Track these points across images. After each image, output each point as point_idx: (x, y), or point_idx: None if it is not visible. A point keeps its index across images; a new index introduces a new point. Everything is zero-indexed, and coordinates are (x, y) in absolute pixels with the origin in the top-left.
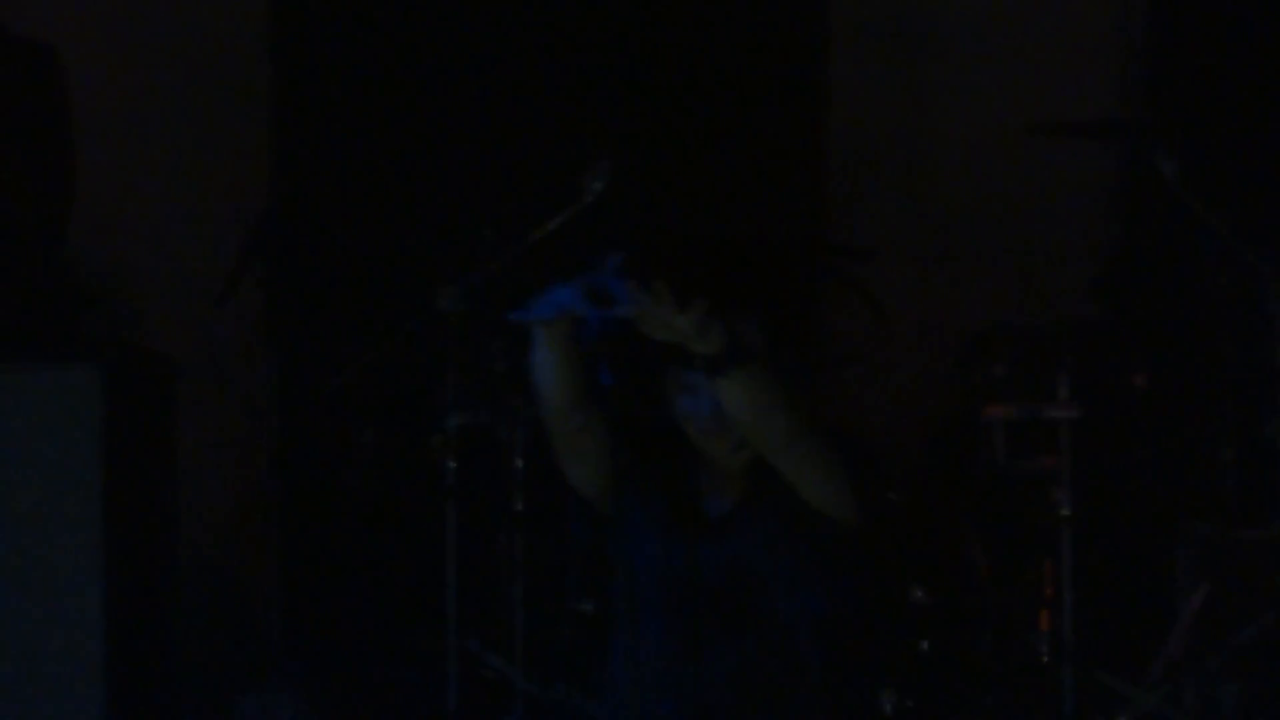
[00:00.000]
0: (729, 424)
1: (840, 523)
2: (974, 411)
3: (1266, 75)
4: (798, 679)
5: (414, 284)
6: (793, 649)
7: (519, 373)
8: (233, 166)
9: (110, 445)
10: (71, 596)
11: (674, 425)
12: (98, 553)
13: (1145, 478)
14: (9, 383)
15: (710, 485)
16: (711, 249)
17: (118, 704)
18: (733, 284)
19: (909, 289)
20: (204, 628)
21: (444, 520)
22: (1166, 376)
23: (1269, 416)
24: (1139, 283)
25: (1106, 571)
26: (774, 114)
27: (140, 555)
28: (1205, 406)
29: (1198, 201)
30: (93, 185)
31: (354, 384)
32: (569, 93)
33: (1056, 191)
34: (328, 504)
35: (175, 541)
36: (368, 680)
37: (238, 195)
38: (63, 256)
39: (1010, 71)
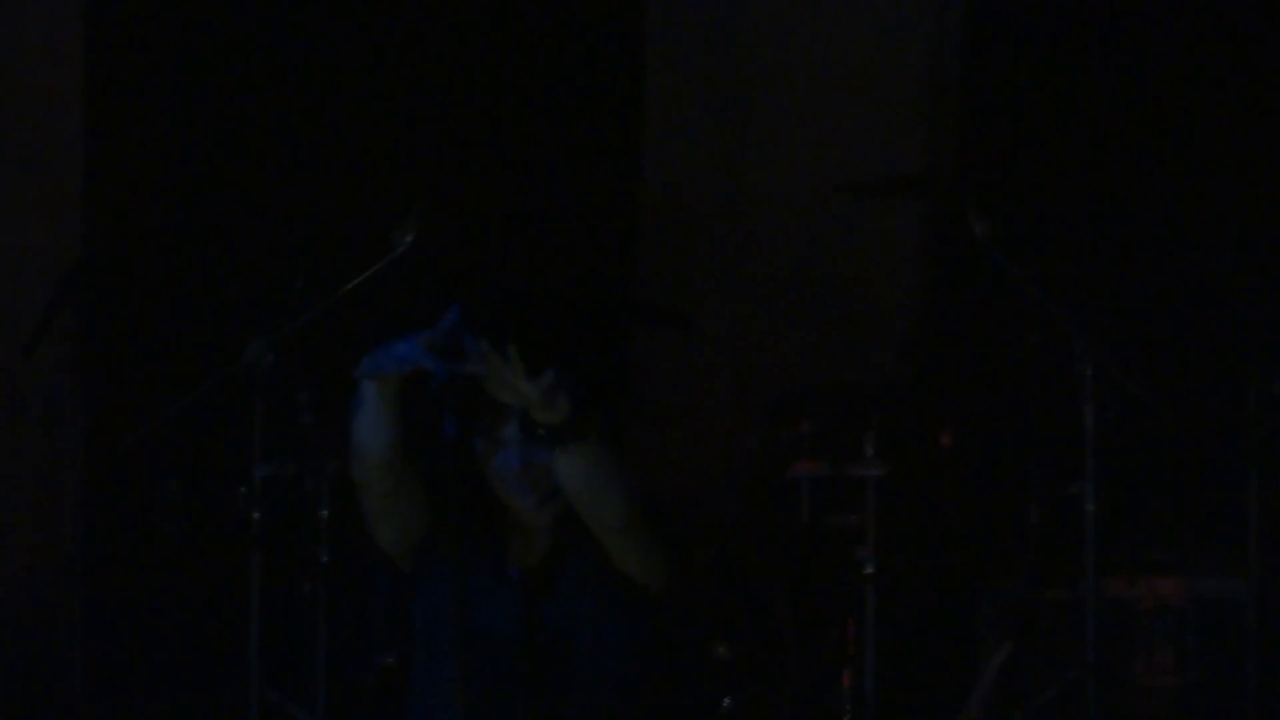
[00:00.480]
0: (535, 480)
1: (647, 588)
2: (781, 468)
3: (1074, 136)
4: None
5: (222, 336)
6: (594, 707)
7: (325, 425)
8: (45, 214)
9: None
10: None
11: (481, 481)
12: None
13: (950, 536)
14: None
15: (516, 543)
16: (526, 304)
17: None
18: (546, 337)
19: (722, 346)
20: (5, 680)
21: (248, 570)
22: (973, 436)
23: (1074, 477)
24: (948, 342)
25: (910, 630)
26: (589, 171)
27: None
28: (1012, 466)
29: (1007, 261)
30: None
31: (161, 434)
32: (382, 143)
33: (868, 251)
34: (132, 555)
35: None
36: None
37: (49, 244)
38: None
39: (823, 131)
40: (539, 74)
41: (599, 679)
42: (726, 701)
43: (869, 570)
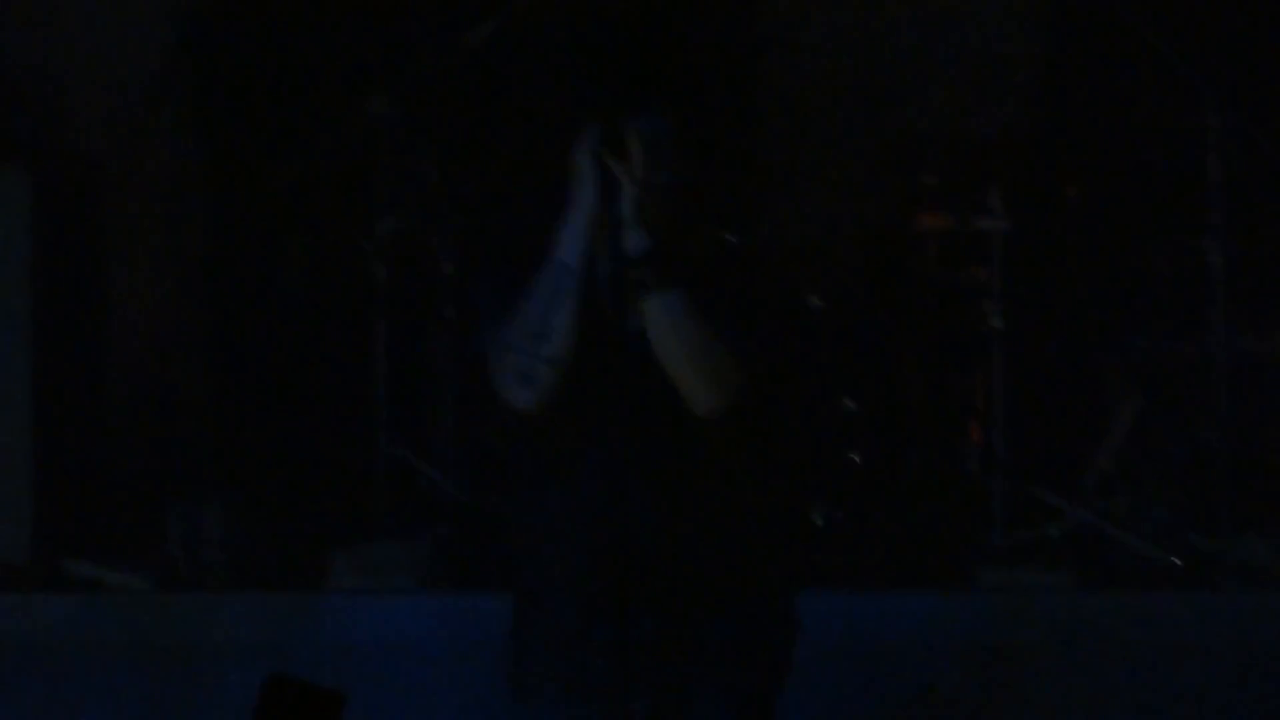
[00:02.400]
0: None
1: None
2: (905, 221)
3: None
4: (725, 488)
5: (346, 90)
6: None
7: (449, 178)
8: None
9: (39, 250)
10: (2, 417)
11: None
12: (26, 361)
13: (1078, 291)
14: None
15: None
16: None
17: (47, 513)
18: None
19: (842, 96)
20: (134, 435)
21: (373, 326)
22: (1099, 189)
23: (1201, 231)
24: (1073, 94)
25: (1038, 384)
26: None
27: (69, 363)
28: (1137, 218)
29: (1131, 10)
30: None
31: (284, 190)
32: None
33: (990, 1)
34: (258, 309)
35: (105, 347)
36: (296, 488)
37: None
38: None
39: None
40: None
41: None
42: (854, 456)
43: (996, 324)
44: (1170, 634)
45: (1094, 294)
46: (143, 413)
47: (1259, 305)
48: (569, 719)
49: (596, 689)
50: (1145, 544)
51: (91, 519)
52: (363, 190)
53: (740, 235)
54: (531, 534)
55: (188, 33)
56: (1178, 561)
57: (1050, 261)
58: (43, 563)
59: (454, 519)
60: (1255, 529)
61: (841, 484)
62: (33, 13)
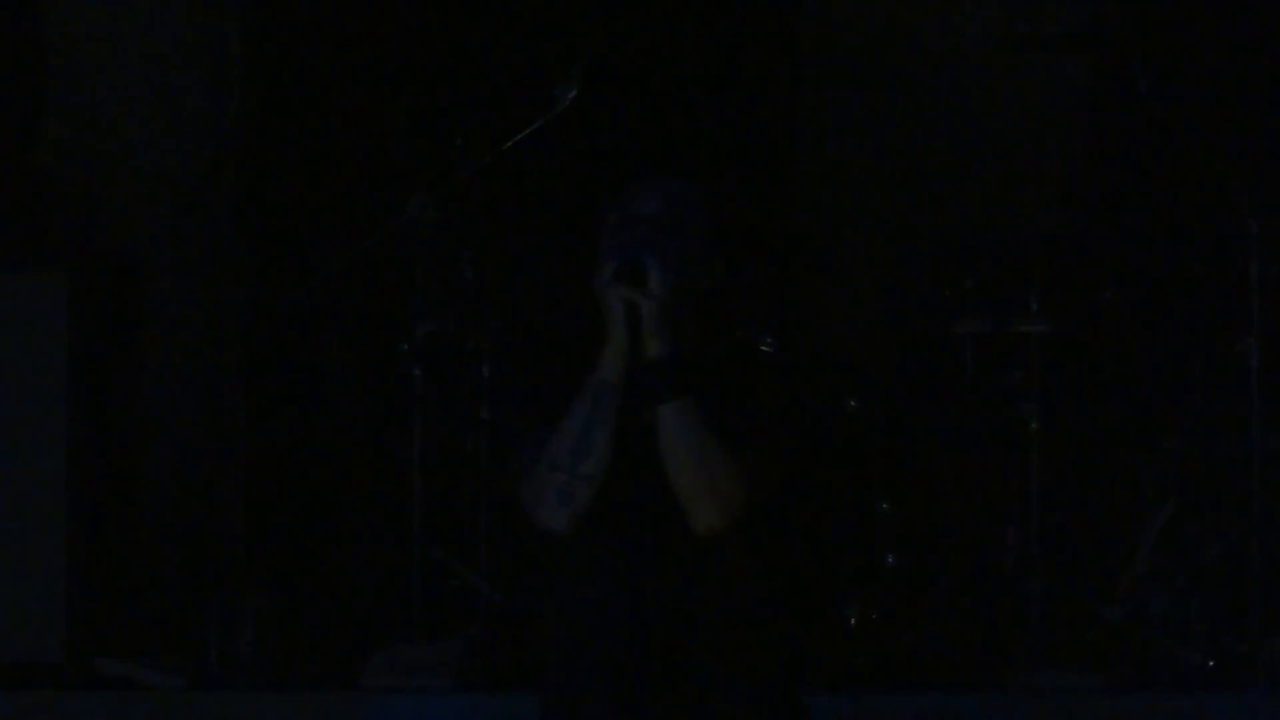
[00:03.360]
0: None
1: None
2: (944, 325)
3: None
4: (743, 594)
5: (385, 191)
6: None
7: (487, 280)
8: (207, 69)
9: (75, 351)
10: (34, 504)
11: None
12: (61, 459)
13: (1115, 393)
14: None
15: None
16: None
17: (81, 612)
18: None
19: (881, 198)
20: (170, 534)
21: (410, 427)
22: (1138, 291)
23: (1240, 333)
24: (1111, 196)
25: (1074, 485)
26: (747, 25)
27: (104, 461)
28: (1176, 321)
29: (1172, 115)
30: (65, 86)
31: (323, 290)
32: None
33: (1030, 104)
34: (295, 410)
35: (140, 447)
36: (332, 588)
37: (211, 99)
38: (33, 159)
39: None
40: None
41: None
42: (889, 558)
43: (1033, 426)
44: None
45: (1130, 395)
46: (179, 511)
47: None
48: None
49: None
50: (1180, 645)
51: (125, 617)
52: (401, 291)
53: (775, 340)
54: (556, 633)
55: (227, 131)
56: (1212, 663)
57: (1087, 363)
58: (76, 661)
59: (487, 620)
60: None
61: (876, 584)
62: (73, 109)
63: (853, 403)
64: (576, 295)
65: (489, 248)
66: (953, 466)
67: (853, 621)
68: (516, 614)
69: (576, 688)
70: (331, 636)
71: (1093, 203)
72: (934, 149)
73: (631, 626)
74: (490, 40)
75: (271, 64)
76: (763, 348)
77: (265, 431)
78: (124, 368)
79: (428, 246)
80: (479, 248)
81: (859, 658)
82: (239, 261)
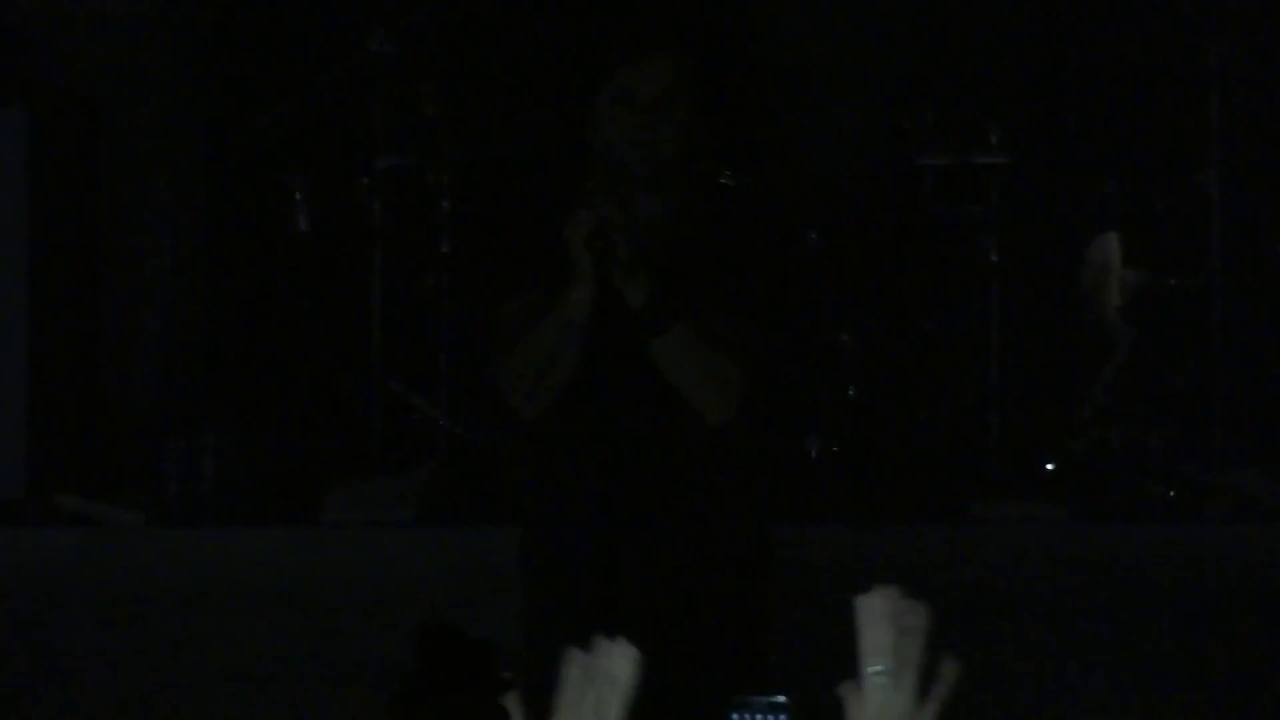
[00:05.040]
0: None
1: None
2: (904, 157)
3: None
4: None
5: (346, 27)
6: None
7: (447, 115)
8: None
9: (36, 187)
10: None
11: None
12: (22, 296)
13: (1075, 225)
14: None
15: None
16: None
17: (41, 448)
18: None
19: (843, 32)
20: (130, 371)
21: (370, 262)
22: (1100, 124)
23: (1200, 166)
24: (1074, 32)
25: (1035, 319)
26: None
27: (65, 298)
28: (1137, 154)
29: None
30: None
31: (283, 126)
32: None
33: None
34: (256, 246)
35: (101, 283)
36: (292, 422)
37: None
38: None
39: None
40: None
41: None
42: (850, 390)
43: (993, 258)
44: (1164, 565)
45: (1089, 227)
46: (138, 348)
47: (1253, 240)
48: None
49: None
50: (1139, 476)
51: (85, 454)
52: (361, 128)
53: (737, 175)
54: (535, 478)
55: None
56: (1172, 493)
57: (1048, 196)
58: (36, 497)
59: (448, 453)
60: (1248, 460)
61: (836, 418)
62: None
63: (814, 235)
64: (541, 128)
65: (449, 82)
66: (913, 299)
67: (814, 454)
68: (477, 446)
69: (557, 526)
70: (291, 472)
71: (1053, 36)
72: None
73: (608, 470)
74: None
75: None
76: (722, 181)
77: (226, 266)
78: (85, 204)
79: (387, 82)
80: (440, 82)
81: (821, 490)
82: (199, 99)
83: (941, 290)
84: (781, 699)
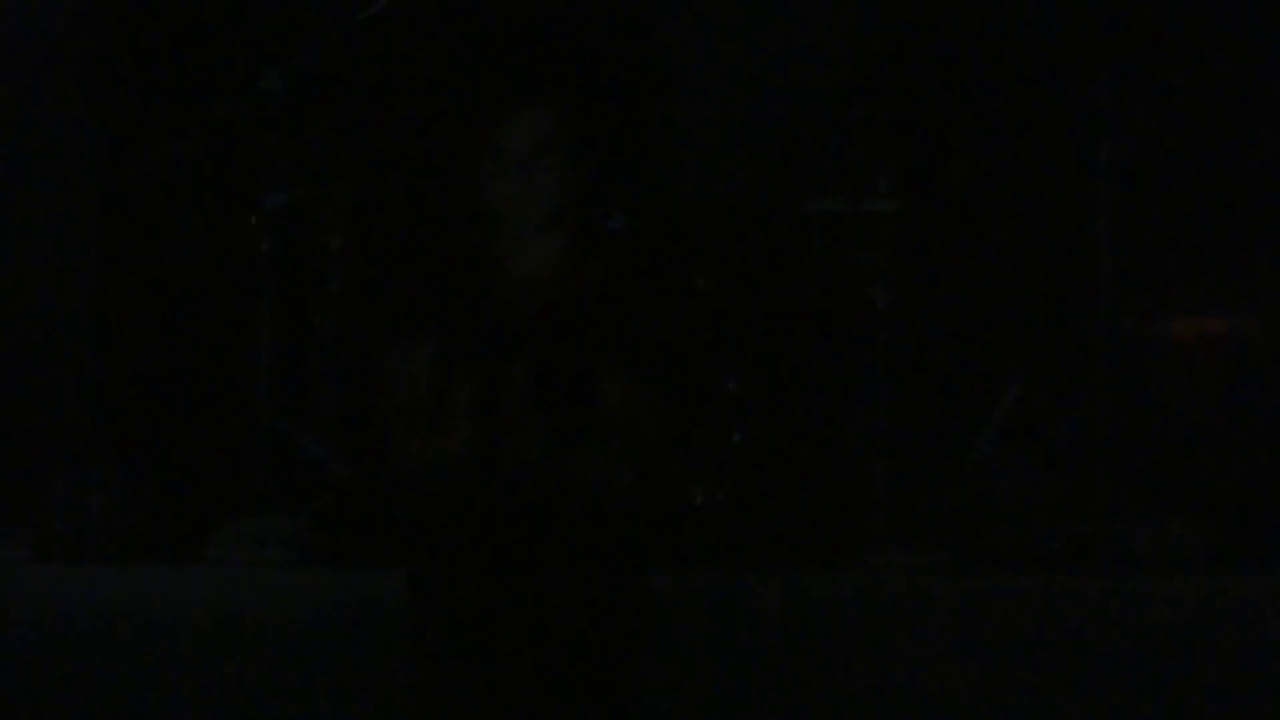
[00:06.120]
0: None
1: None
2: (794, 203)
3: None
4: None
5: (238, 63)
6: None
7: (337, 153)
8: None
9: None
10: None
11: None
12: None
13: (965, 272)
14: None
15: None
16: None
17: None
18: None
19: (732, 75)
20: (17, 405)
21: (259, 301)
22: (991, 169)
23: (1089, 217)
24: (961, 79)
25: (924, 365)
26: None
27: None
28: (1027, 202)
29: None
30: None
31: (174, 164)
32: None
33: None
34: (145, 281)
35: None
36: (180, 462)
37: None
38: None
39: None
40: None
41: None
42: (736, 437)
43: (881, 305)
44: (1050, 615)
45: (981, 276)
46: (27, 382)
47: (1144, 287)
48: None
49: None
50: (1026, 526)
51: None
52: (252, 165)
53: (624, 218)
54: (417, 513)
55: (83, 2)
56: (1056, 543)
57: (938, 243)
58: None
59: (334, 493)
60: (1135, 512)
61: (724, 464)
62: None
63: (703, 280)
64: (430, 169)
65: (340, 122)
66: (801, 345)
67: (699, 500)
68: (363, 487)
69: (437, 572)
70: (178, 510)
71: (945, 82)
72: (785, 26)
73: (486, 511)
74: None
75: None
76: (610, 224)
77: (115, 302)
78: None
79: (279, 120)
80: (331, 122)
81: (706, 537)
82: (91, 133)
83: (829, 337)
84: None
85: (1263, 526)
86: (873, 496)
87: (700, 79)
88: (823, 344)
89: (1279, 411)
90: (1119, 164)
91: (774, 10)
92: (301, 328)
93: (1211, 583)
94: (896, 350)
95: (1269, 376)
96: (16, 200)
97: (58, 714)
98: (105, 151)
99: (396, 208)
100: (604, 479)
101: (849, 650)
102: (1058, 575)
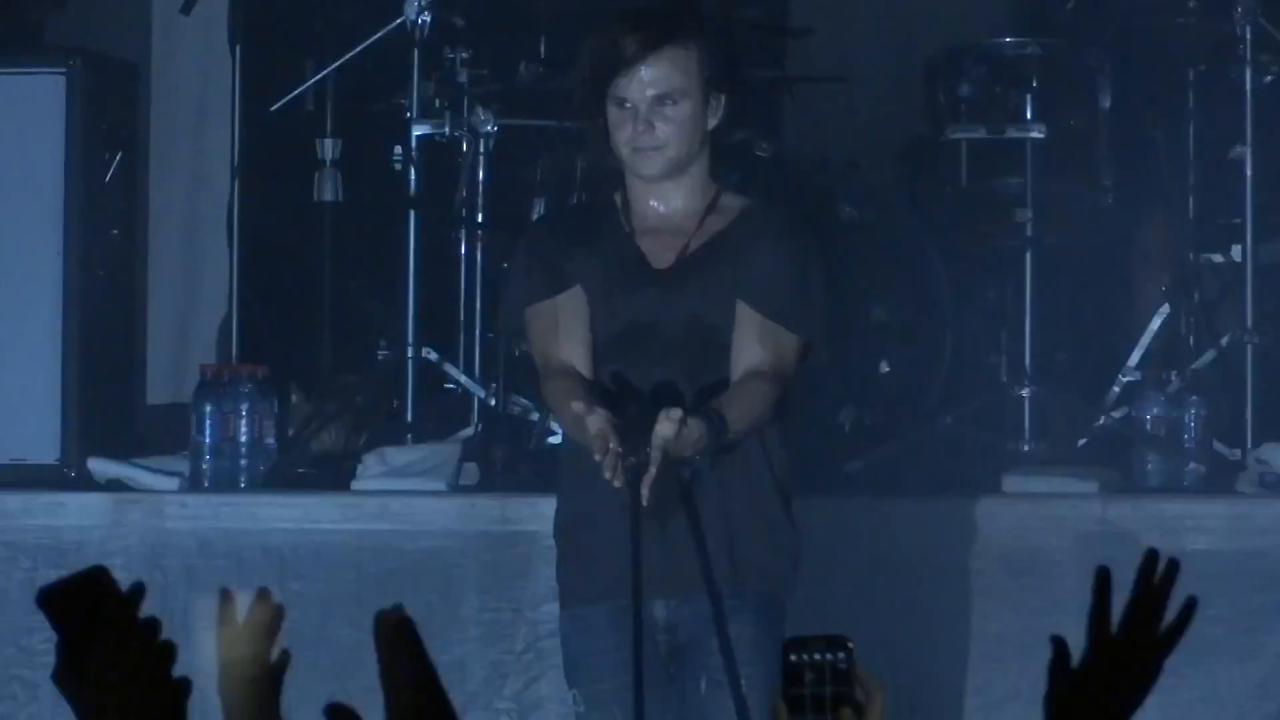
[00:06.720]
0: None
1: None
2: (939, 132)
3: None
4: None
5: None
6: None
7: (482, 84)
8: None
9: (72, 153)
10: (31, 315)
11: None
12: (57, 259)
13: (1109, 199)
14: None
15: (652, 245)
16: None
17: (76, 413)
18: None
19: (878, 7)
20: (167, 334)
21: (405, 230)
22: (1131, 98)
23: (1234, 140)
24: (1105, 6)
25: (1068, 293)
26: None
27: (102, 262)
28: (1170, 130)
29: None
30: None
31: (318, 92)
32: None
33: None
34: (289, 211)
35: (137, 245)
36: (326, 389)
37: None
38: None
39: None
40: None
41: None
42: (884, 365)
43: (1028, 233)
44: (1195, 540)
45: (1124, 202)
46: (173, 311)
47: None
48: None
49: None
50: (1173, 451)
51: (121, 420)
52: (396, 94)
53: (772, 146)
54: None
55: None
56: (1204, 469)
57: (1082, 170)
58: (70, 462)
59: (482, 423)
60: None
61: (869, 390)
62: None
63: (848, 209)
64: (567, 104)
65: (484, 50)
66: (948, 273)
67: (846, 426)
68: (510, 418)
69: (592, 493)
70: (327, 439)
71: (1087, 7)
72: None
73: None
74: None
75: None
76: (759, 152)
77: (261, 231)
78: (123, 171)
79: (423, 49)
80: (474, 50)
81: (854, 462)
82: (234, 66)
83: (975, 264)
84: (843, 637)
85: None
86: (1020, 422)
87: (843, 11)
88: (970, 271)
89: None
90: (1264, 90)
91: None
92: (448, 259)
93: None
94: (1042, 277)
95: None
96: (162, 131)
97: None
98: (247, 82)
99: (533, 145)
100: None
101: (994, 578)
102: (1204, 500)
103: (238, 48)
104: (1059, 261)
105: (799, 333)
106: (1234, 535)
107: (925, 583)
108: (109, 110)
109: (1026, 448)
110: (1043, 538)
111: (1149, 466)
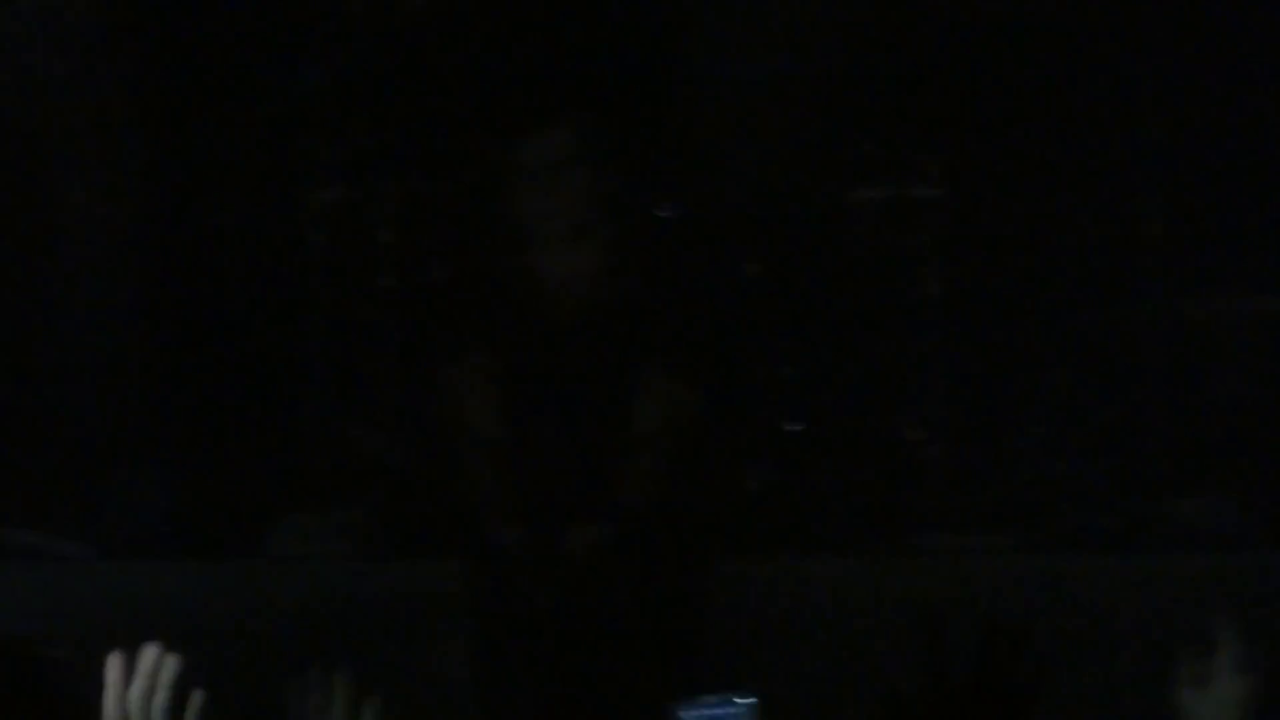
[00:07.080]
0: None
1: None
2: (843, 190)
3: None
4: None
5: (282, 56)
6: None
7: (384, 150)
8: None
9: None
10: None
11: None
12: None
13: (1014, 258)
14: None
15: None
16: None
17: None
18: None
19: (781, 59)
20: (73, 402)
21: (312, 295)
22: (1039, 154)
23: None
24: (1008, 62)
25: (976, 350)
26: None
27: (4, 327)
28: (1077, 185)
29: None
30: None
31: (223, 157)
32: None
33: None
34: (199, 280)
35: (42, 314)
36: (235, 456)
37: None
38: None
39: None
40: None
41: None
42: (790, 424)
43: (933, 291)
44: (1108, 596)
45: (1031, 261)
46: (82, 379)
47: (1196, 267)
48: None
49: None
50: (1082, 507)
51: (31, 487)
52: (301, 159)
53: (672, 209)
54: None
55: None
56: (1113, 525)
57: (988, 229)
58: None
59: (391, 487)
60: (1191, 491)
61: (777, 450)
62: None
63: (753, 267)
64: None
65: (387, 114)
66: (853, 331)
67: (754, 487)
68: (420, 481)
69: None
70: (235, 505)
71: (994, 66)
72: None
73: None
74: None
75: None
76: (658, 214)
77: (170, 302)
78: (25, 240)
79: (325, 114)
80: (377, 115)
81: (761, 523)
82: (142, 133)
83: (882, 322)
84: (739, 698)
85: None
86: (927, 480)
87: (742, 67)
88: (875, 329)
89: None
90: (1171, 143)
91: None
92: (356, 322)
93: (1266, 560)
94: (948, 335)
95: None
96: (64, 197)
97: None
98: (150, 146)
99: (437, 207)
100: (646, 494)
101: (906, 634)
102: (1114, 557)
103: None
104: (966, 318)
105: None
106: (1148, 590)
107: (836, 642)
108: (13, 178)
109: (935, 503)
110: (956, 595)
111: (1059, 522)
